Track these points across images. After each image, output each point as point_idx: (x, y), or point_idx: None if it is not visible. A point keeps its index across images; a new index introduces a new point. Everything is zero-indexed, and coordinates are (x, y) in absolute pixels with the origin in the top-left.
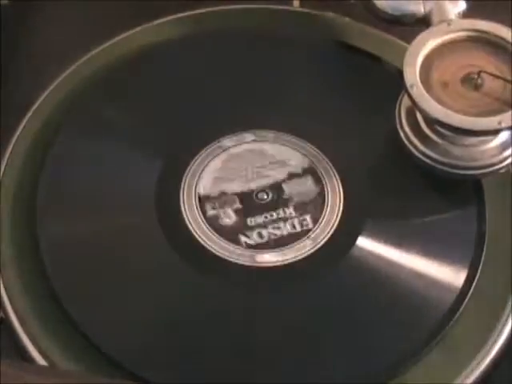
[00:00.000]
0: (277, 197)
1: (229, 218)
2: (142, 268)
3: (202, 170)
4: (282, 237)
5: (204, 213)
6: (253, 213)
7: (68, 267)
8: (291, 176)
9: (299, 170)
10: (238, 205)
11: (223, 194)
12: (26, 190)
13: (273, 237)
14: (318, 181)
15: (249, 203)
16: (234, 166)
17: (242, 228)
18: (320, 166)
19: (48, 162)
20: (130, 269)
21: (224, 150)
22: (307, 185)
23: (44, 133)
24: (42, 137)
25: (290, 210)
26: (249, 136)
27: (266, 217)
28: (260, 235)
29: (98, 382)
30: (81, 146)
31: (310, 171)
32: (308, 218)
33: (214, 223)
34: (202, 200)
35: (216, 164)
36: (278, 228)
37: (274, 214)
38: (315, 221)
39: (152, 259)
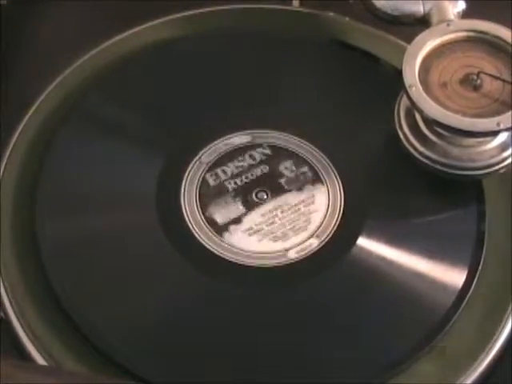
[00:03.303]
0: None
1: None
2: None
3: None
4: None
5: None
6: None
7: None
8: (242, 167)
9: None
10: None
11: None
12: (26, 189)
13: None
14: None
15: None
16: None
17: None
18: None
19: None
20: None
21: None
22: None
23: (44, 132)
24: (41, 136)
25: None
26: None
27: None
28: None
29: (99, 382)
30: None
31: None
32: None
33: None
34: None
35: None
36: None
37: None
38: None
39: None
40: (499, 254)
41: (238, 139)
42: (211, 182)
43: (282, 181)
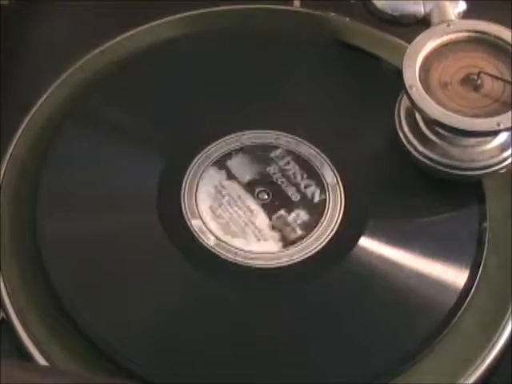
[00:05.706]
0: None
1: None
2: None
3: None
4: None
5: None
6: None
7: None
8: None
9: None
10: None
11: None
12: (26, 190)
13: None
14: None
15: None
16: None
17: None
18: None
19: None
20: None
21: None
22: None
23: (44, 133)
24: (42, 137)
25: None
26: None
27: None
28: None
29: (98, 382)
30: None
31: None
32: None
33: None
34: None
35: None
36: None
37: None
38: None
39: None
40: (500, 254)
41: (329, 174)
42: (272, 154)
43: (281, 213)
